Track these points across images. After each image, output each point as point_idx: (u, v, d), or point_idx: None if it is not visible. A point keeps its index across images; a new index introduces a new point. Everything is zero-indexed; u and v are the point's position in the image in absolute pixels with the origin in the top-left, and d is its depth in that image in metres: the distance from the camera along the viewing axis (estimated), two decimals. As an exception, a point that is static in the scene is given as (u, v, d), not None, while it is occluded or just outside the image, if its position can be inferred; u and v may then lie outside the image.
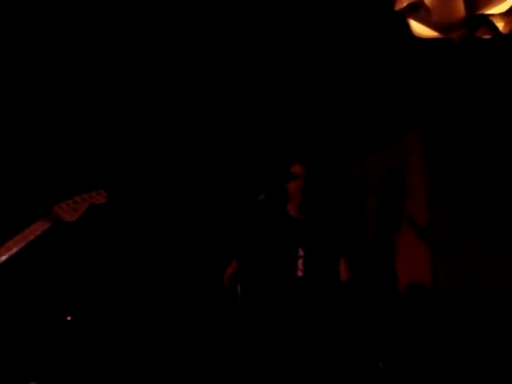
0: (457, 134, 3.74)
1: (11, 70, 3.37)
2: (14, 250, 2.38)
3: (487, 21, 1.83)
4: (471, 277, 3.57)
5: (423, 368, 3.51)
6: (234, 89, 3.80)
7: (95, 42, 3.21)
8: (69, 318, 3.94)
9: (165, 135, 4.32)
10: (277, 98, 3.87)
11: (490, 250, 3.60)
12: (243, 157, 4.56)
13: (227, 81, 3.72)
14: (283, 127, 4.23)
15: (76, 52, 3.28)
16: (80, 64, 3.41)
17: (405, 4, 1.98)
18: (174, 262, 4.50)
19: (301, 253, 3.36)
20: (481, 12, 1.80)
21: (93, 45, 3.23)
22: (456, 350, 3.39)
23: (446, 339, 3.47)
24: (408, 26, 2.06)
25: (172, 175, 4.58)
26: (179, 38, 3.18)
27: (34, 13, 2.91)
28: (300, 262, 3.34)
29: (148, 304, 4.35)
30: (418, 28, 2.01)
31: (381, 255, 4.21)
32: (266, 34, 3.08)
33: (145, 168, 4.51)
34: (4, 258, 2.35)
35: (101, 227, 4.20)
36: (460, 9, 1.81)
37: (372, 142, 4.29)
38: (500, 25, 1.81)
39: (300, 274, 3.32)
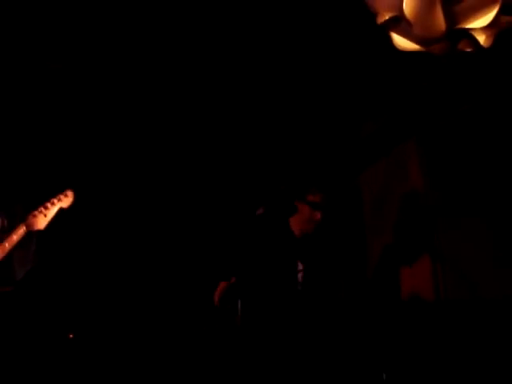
0: (456, 143, 3.68)
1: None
2: None
3: (468, 35, 1.77)
4: (474, 287, 3.50)
5: (427, 379, 3.47)
6: (232, 101, 3.81)
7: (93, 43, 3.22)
8: (71, 336, 3.95)
9: (161, 144, 4.32)
10: (271, 109, 3.87)
11: (492, 260, 3.52)
12: (242, 169, 4.55)
13: (226, 94, 3.73)
14: (279, 140, 4.22)
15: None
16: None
17: (386, 17, 1.93)
18: (170, 276, 4.48)
19: (300, 267, 3.32)
20: (461, 26, 1.75)
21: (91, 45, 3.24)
22: (459, 361, 3.33)
23: (449, 350, 3.41)
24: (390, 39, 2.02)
25: (170, 185, 4.57)
26: (179, 39, 3.18)
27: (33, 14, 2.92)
28: (300, 275, 3.31)
29: (146, 318, 4.33)
30: (400, 41, 1.97)
31: (383, 267, 4.15)
32: (257, 46, 3.07)
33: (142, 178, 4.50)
34: None
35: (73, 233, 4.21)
36: (440, 22, 1.76)
37: (370, 153, 4.25)
38: (481, 38, 1.75)
39: (300, 287, 3.29)
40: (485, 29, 1.74)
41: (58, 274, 4.15)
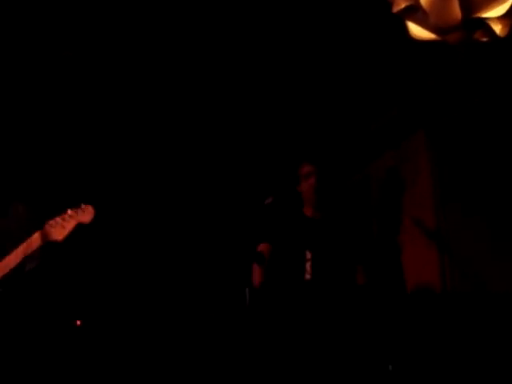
0: (464, 136, 3.68)
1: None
2: (12, 265, 2.35)
3: (484, 24, 1.78)
4: (480, 280, 3.51)
5: (432, 371, 3.47)
6: (239, 94, 3.81)
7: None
8: (78, 323, 3.97)
9: (168, 138, 4.33)
10: (281, 101, 3.87)
11: (500, 253, 3.53)
12: (250, 159, 4.56)
13: (233, 84, 3.73)
14: (288, 129, 4.22)
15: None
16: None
17: (402, 6, 1.95)
18: (180, 268, 4.51)
19: (308, 256, 3.34)
20: (477, 15, 1.76)
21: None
22: (465, 354, 3.34)
23: (455, 342, 3.42)
24: (405, 28, 2.03)
25: (177, 180, 4.60)
26: (179, 39, 3.19)
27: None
28: (308, 264, 3.33)
29: (154, 309, 4.35)
30: (416, 30, 1.99)
31: (389, 258, 4.17)
32: (268, 35, 3.07)
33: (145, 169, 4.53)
34: (1, 274, 2.32)
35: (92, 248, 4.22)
36: (456, 12, 1.77)
37: (379, 144, 4.26)
38: (497, 28, 1.77)
39: (308, 276, 3.30)
40: (501, 18, 1.75)
41: (65, 264, 4.17)
